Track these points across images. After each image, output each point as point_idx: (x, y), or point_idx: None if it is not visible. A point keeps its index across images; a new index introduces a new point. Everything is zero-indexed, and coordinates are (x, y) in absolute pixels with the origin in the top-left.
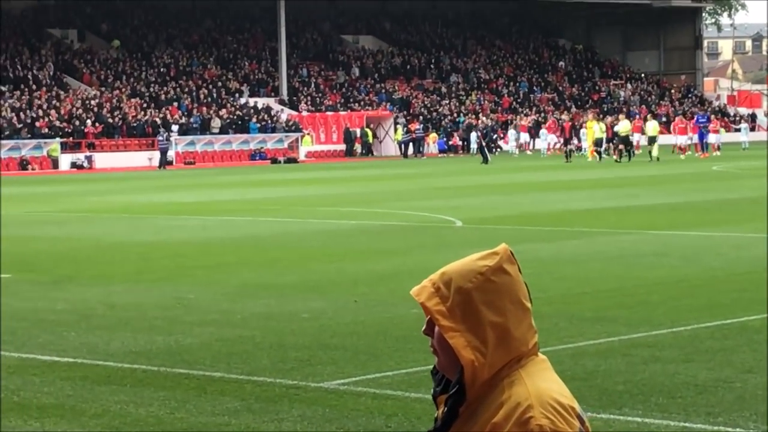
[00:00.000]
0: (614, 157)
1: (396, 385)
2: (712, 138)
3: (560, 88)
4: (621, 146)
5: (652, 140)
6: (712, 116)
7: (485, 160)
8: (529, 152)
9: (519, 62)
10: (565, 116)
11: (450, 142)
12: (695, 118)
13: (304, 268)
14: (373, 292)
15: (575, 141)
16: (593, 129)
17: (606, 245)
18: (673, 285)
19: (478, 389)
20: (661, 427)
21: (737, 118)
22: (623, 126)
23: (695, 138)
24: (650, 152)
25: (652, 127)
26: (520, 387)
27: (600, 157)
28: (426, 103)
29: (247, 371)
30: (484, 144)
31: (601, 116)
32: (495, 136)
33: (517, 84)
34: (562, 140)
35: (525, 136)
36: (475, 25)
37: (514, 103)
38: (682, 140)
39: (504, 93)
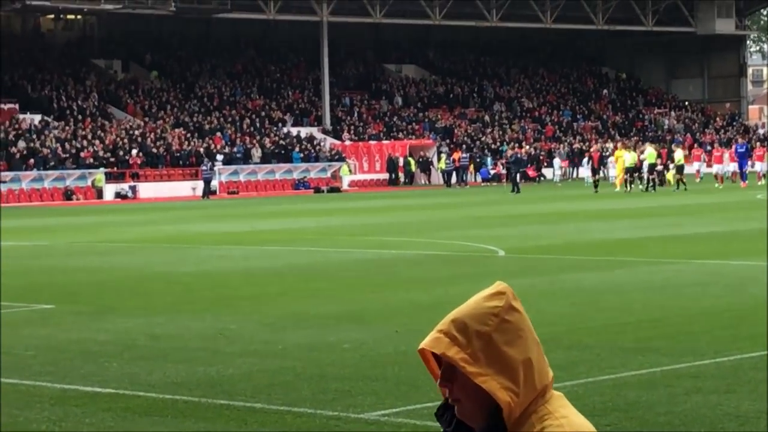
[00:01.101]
0: (641, 187)
1: None
2: (756, 166)
3: (604, 116)
4: (652, 175)
5: (680, 169)
6: (758, 144)
7: (515, 190)
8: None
9: (562, 90)
10: (595, 146)
11: (493, 171)
12: (734, 147)
13: (346, 298)
14: (414, 323)
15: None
16: (623, 158)
17: (649, 275)
18: (717, 315)
19: (511, 429)
20: None
21: None
22: (648, 154)
23: (733, 167)
24: (678, 181)
25: (679, 156)
26: (551, 420)
27: (628, 187)
28: (469, 131)
29: (287, 402)
30: (513, 174)
31: (641, 144)
32: (525, 166)
33: (561, 112)
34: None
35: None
36: (518, 53)
37: (558, 131)
38: (717, 169)
39: (547, 121)
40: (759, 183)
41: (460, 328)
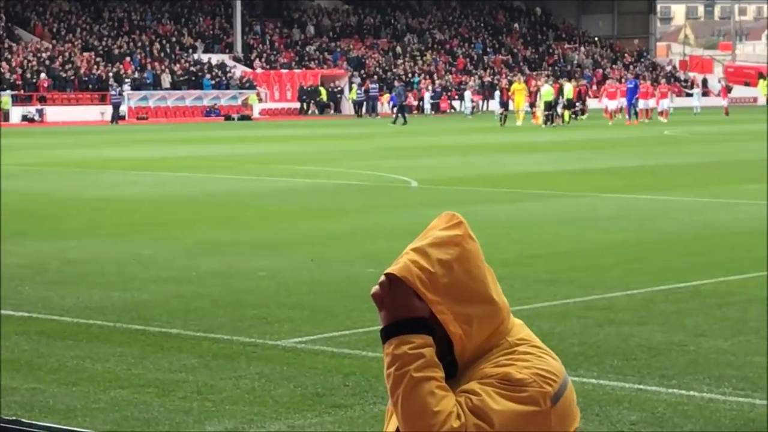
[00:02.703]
0: (534, 121)
1: (353, 343)
2: (642, 104)
3: (514, 50)
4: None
5: (569, 104)
6: (663, 81)
7: (397, 121)
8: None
9: (474, 23)
10: (505, 80)
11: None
12: (627, 83)
13: (261, 226)
14: (330, 251)
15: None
16: (523, 92)
17: (561, 208)
18: (628, 248)
19: (466, 361)
20: (616, 389)
21: (689, 83)
22: (545, 91)
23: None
24: (563, 116)
25: (569, 90)
26: (515, 356)
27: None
28: (381, 62)
29: (204, 328)
30: (398, 105)
31: (553, 79)
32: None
33: (472, 45)
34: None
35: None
36: None
37: (469, 64)
38: (612, 105)
39: (459, 54)
40: (663, 120)
41: (423, 254)
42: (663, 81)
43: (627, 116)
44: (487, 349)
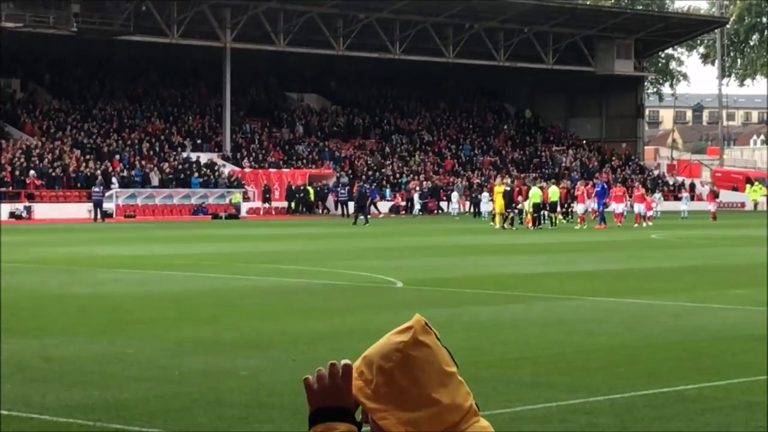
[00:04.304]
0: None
1: None
2: (619, 207)
3: (503, 152)
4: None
5: (553, 206)
6: (639, 185)
7: (358, 221)
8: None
9: (462, 125)
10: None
11: (392, 203)
12: (596, 186)
13: (244, 326)
14: (313, 351)
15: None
16: (501, 194)
17: (546, 311)
18: (612, 352)
19: None
20: None
21: (677, 187)
22: (533, 193)
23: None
24: (551, 218)
25: (554, 192)
26: None
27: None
28: (369, 162)
29: (184, 428)
30: (357, 206)
31: (541, 181)
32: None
33: (460, 146)
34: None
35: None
36: (420, 86)
37: (457, 165)
38: (580, 208)
39: (447, 155)
40: (635, 224)
41: (367, 363)
42: (638, 185)
43: (599, 220)
44: None
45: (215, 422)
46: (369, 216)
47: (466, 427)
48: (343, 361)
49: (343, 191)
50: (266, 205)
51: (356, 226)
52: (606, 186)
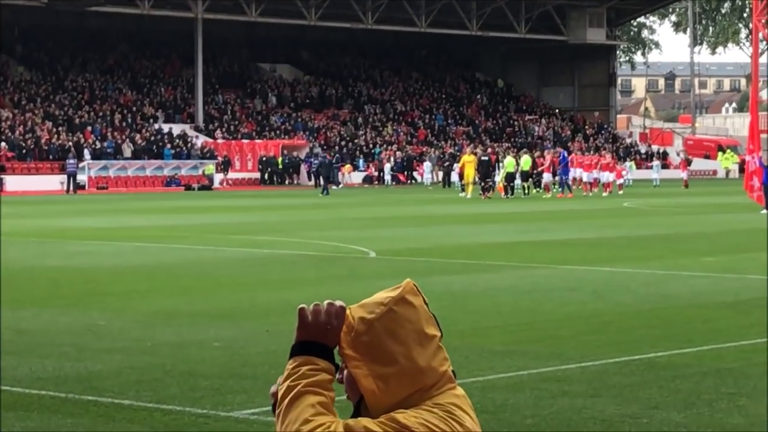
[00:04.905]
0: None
1: None
2: (580, 175)
3: (476, 121)
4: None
5: (525, 176)
6: (610, 154)
7: (324, 192)
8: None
9: (435, 95)
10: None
11: (365, 173)
12: (560, 155)
13: (217, 297)
14: (286, 322)
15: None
16: (473, 162)
17: (517, 279)
18: (583, 320)
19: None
20: None
21: (649, 156)
22: (507, 162)
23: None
24: (524, 187)
25: (525, 161)
26: (414, 411)
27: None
28: (342, 133)
29: (156, 399)
30: (321, 176)
31: (515, 151)
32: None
33: (433, 116)
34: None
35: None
36: (393, 56)
37: (430, 135)
38: (547, 177)
39: (420, 125)
40: (604, 193)
41: (353, 314)
42: (605, 153)
43: (560, 188)
44: (403, 408)
45: (188, 393)
46: (329, 187)
47: (440, 392)
48: (339, 303)
49: (315, 162)
50: (235, 176)
51: (326, 196)
52: (566, 155)
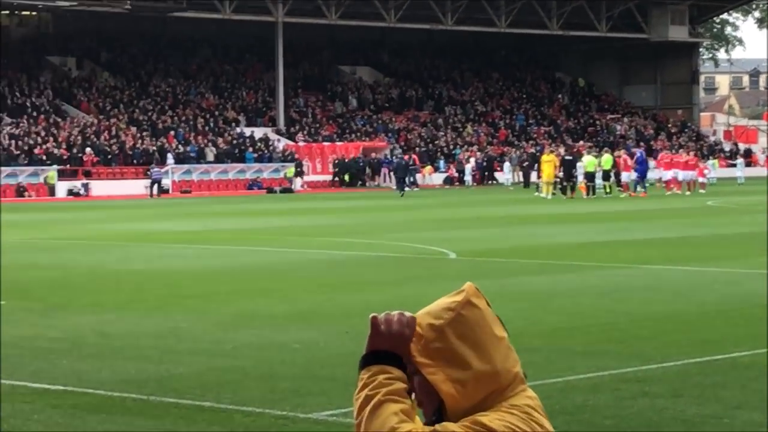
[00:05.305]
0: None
1: None
2: (668, 175)
3: (557, 121)
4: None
5: (606, 175)
6: (693, 153)
7: (401, 192)
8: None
9: (516, 95)
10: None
11: (446, 174)
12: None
13: (297, 298)
14: (365, 324)
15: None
16: (552, 163)
17: (599, 279)
18: (665, 320)
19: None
20: None
21: (733, 154)
22: (588, 162)
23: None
24: (605, 187)
25: (606, 160)
26: (492, 413)
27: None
28: (422, 134)
29: (236, 401)
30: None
31: (596, 150)
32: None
33: (514, 116)
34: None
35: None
36: (473, 56)
37: (511, 135)
38: (625, 176)
39: (501, 125)
40: (681, 192)
41: (419, 322)
42: (684, 152)
43: (641, 188)
44: (481, 410)
45: (267, 395)
46: (406, 188)
47: (513, 393)
48: (408, 314)
49: (392, 163)
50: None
51: (404, 197)
52: (644, 154)
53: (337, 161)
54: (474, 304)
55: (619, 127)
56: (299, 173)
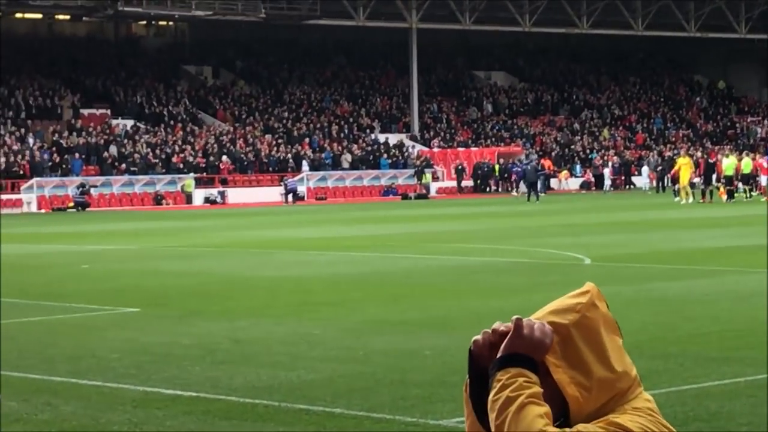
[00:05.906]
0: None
1: None
2: None
3: (696, 124)
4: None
5: (746, 179)
6: None
7: (530, 198)
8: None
9: (653, 98)
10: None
11: (582, 178)
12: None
13: (429, 305)
14: None
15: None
16: (688, 167)
17: (735, 284)
18: None
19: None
20: None
21: None
22: (727, 165)
23: None
24: (745, 191)
25: (746, 163)
26: (612, 418)
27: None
28: (558, 139)
29: (367, 408)
30: (527, 184)
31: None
32: (545, 174)
33: (652, 120)
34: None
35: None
36: (609, 60)
37: (648, 139)
38: (763, 180)
39: (638, 129)
40: None
41: (544, 321)
42: None
43: None
44: (603, 415)
45: (398, 401)
46: (541, 194)
47: (633, 396)
48: (548, 325)
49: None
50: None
51: (531, 203)
52: None
53: (475, 166)
54: (597, 306)
55: (759, 130)
56: (419, 178)
